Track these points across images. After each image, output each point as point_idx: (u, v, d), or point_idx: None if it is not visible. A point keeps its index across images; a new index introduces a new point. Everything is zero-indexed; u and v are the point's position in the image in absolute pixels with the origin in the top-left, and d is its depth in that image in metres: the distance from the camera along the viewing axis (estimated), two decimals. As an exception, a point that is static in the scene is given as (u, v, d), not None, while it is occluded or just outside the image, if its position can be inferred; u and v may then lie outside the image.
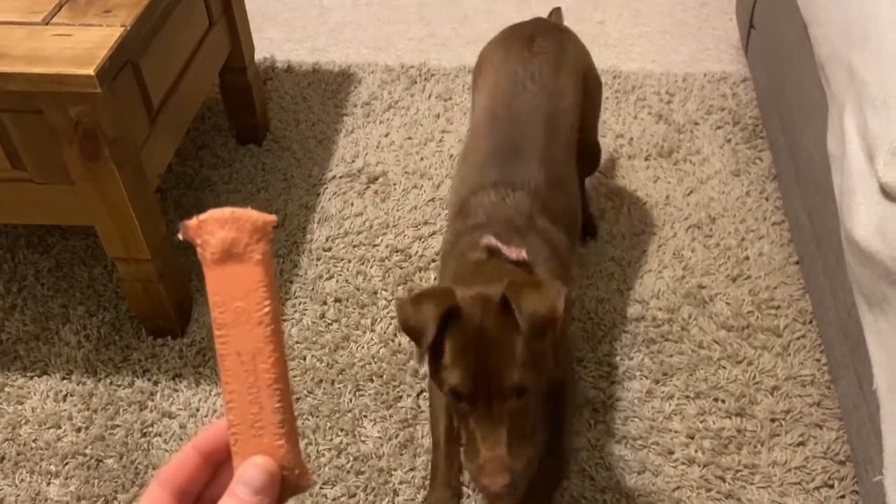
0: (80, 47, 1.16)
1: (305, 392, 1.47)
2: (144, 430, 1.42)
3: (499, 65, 1.51)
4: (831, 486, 1.30)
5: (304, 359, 1.52)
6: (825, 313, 1.45)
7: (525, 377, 0.98)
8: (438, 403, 1.36)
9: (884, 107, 1.16)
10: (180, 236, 0.45)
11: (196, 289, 1.66)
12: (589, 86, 1.55)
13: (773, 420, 1.39)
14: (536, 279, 1.08)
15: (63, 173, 1.30)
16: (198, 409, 1.45)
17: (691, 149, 1.93)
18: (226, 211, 0.44)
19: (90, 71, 1.11)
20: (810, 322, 1.53)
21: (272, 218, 0.45)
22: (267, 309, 0.44)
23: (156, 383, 1.49)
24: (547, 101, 1.41)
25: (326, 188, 1.88)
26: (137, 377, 1.50)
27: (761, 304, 1.57)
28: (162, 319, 1.55)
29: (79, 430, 1.42)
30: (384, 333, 1.56)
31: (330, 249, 1.73)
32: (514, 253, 1.18)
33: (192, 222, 0.44)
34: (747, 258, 1.67)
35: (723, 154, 1.92)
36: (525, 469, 0.99)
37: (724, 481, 1.31)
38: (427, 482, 1.30)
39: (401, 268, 1.68)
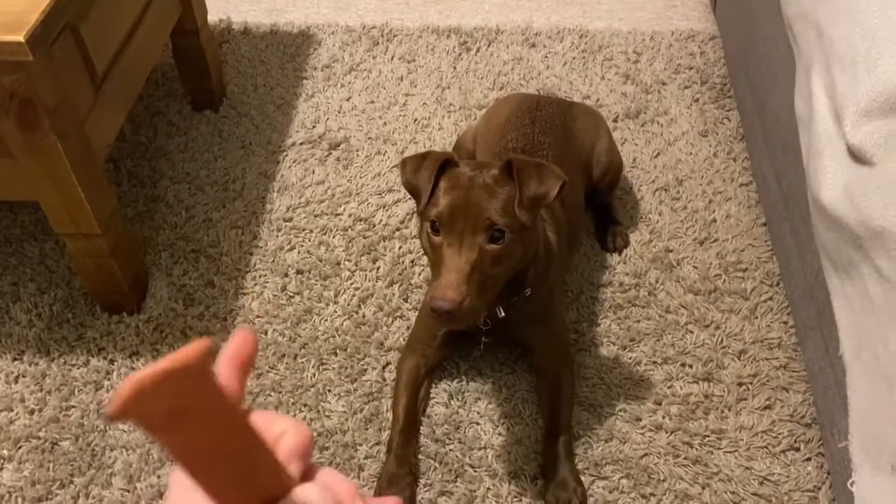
0: (9, 11, 1.09)
1: (267, 367, 1.43)
2: (101, 411, 1.38)
3: (507, 114, 1.53)
4: (797, 449, 1.30)
5: (266, 333, 1.48)
6: (792, 275, 1.44)
7: (501, 220, 1.06)
8: (402, 377, 1.33)
9: (851, 66, 1.13)
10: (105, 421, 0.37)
11: (152, 263, 1.61)
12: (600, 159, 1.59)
13: (740, 384, 1.38)
14: (543, 161, 1.14)
15: (2, 146, 1.23)
16: (156, 388, 1.40)
17: (659, 109, 1.90)
18: (146, 373, 0.34)
19: (20, 37, 1.05)
20: (777, 284, 1.52)
21: (204, 346, 0.36)
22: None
23: (112, 362, 1.45)
24: (560, 135, 1.48)
25: (286, 155, 1.83)
26: (92, 356, 1.45)
27: (728, 266, 1.56)
28: (116, 296, 1.50)
29: (32, 412, 1.37)
30: (348, 305, 1.52)
31: (291, 219, 1.68)
32: None
33: (115, 404, 0.33)
34: (715, 221, 1.65)
35: (690, 114, 1.89)
36: (474, 305, 1.05)
37: (692, 447, 1.30)
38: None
39: (364, 237, 1.64)
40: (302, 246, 1.63)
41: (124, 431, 1.35)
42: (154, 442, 0.40)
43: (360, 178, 1.78)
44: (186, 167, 1.80)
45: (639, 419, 1.34)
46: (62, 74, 1.23)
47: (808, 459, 1.29)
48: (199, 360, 0.35)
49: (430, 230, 1.10)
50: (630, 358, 1.43)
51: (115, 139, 1.48)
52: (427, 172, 1.10)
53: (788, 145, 1.45)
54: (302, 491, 0.42)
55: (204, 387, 0.37)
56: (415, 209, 1.67)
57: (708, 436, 1.32)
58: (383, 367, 1.42)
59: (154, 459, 1.31)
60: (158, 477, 1.29)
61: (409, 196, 1.71)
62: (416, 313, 1.45)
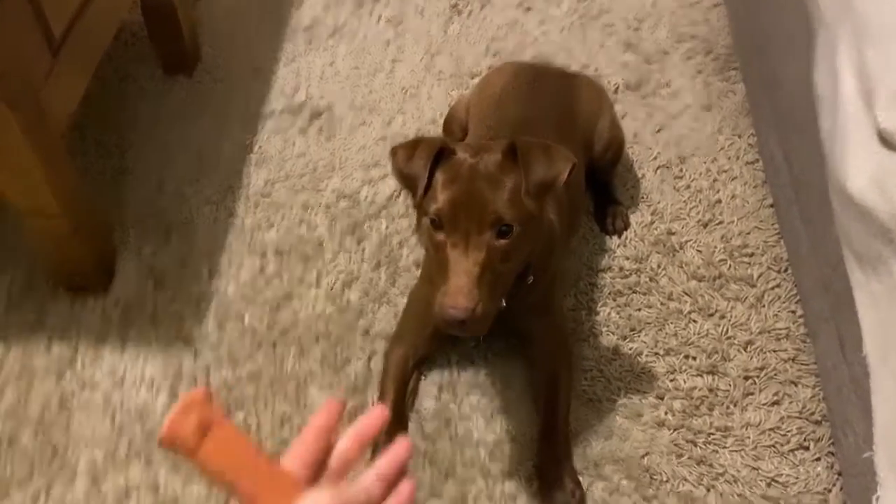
0: (-53, -35, 0.96)
1: (244, 356, 1.34)
2: (64, 403, 1.28)
3: (503, 84, 1.42)
4: (807, 448, 1.23)
5: (242, 319, 1.39)
6: (802, 262, 1.36)
7: (508, 213, 0.98)
8: (390, 370, 1.25)
9: (885, 43, 1.04)
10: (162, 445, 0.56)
11: (120, 240, 1.49)
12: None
13: (746, 378, 1.31)
14: (549, 143, 1.03)
15: (-53, 116, 1.11)
16: (123, 378, 1.31)
17: (661, 81, 1.80)
18: (177, 407, 0.56)
19: (-41, -5, 0.92)
20: (786, 271, 1.44)
21: (202, 390, 0.58)
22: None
23: (76, 349, 1.34)
24: (559, 107, 1.37)
25: (265, 125, 1.71)
26: (55, 342, 1.35)
27: (734, 251, 1.47)
28: (80, 277, 1.39)
29: (-12, 404, 1.28)
30: (331, 289, 1.42)
31: (269, 195, 1.57)
32: None
33: (165, 434, 0.55)
34: (719, 201, 1.56)
35: (694, 87, 1.79)
36: (487, 310, 0.98)
37: (696, 445, 1.23)
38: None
39: (349, 215, 1.54)
40: (281, 224, 1.53)
41: (88, 426, 1.25)
42: (195, 466, 0.56)
43: (344, 150, 1.66)
44: (157, 136, 1.68)
45: (640, 415, 1.27)
46: (12, 37, 1.11)
47: (818, 459, 1.22)
48: (203, 393, 0.56)
49: (430, 227, 1.01)
50: (630, 349, 1.35)
51: (79, 105, 1.36)
52: (422, 161, 1.00)
53: (802, 125, 1.35)
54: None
55: (213, 409, 0.56)
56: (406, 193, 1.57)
57: (713, 433, 1.24)
58: (369, 358, 1.33)
59: (121, 457, 1.22)
60: (126, 476, 1.20)
61: (396, 171, 1.61)
62: (406, 299, 1.35)
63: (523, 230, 1.00)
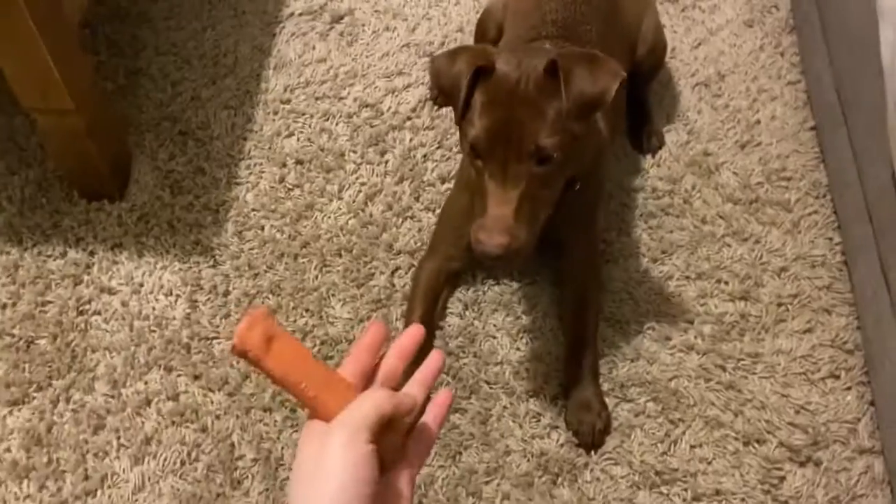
0: None
1: (265, 267, 1.30)
2: (81, 308, 1.25)
3: None
4: (837, 377, 1.21)
5: (262, 229, 1.35)
6: (846, 189, 1.31)
7: (549, 142, 0.92)
8: (420, 285, 1.21)
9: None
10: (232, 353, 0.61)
11: (135, 144, 1.44)
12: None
13: (779, 304, 1.27)
14: (598, 53, 0.96)
15: (-46, 2, 1.04)
16: (141, 285, 1.28)
17: (701, -8, 1.70)
18: (244, 321, 0.60)
19: None
20: (824, 196, 1.39)
21: (264, 308, 0.65)
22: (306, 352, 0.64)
23: (92, 254, 1.31)
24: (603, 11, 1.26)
25: (283, 27, 1.63)
26: (70, 247, 1.31)
27: (771, 174, 1.42)
28: (95, 180, 1.34)
29: (4, 306, 1.25)
30: (353, 202, 1.38)
31: (289, 102, 1.51)
32: None
33: (237, 343, 0.60)
34: (758, 122, 1.49)
35: (735, 1, 1.69)
36: (526, 242, 0.95)
37: (725, 370, 1.21)
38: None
39: (371, 126, 1.48)
40: (301, 133, 1.47)
41: (107, 332, 1.23)
42: (262, 373, 0.61)
43: (367, 57, 1.59)
44: (172, 37, 1.60)
45: (668, 338, 1.24)
46: (22, -84, 1.03)
47: (849, 388, 1.20)
48: (265, 310, 0.62)
49: (470, 152, 0.97)
50: (661, 272, 1.31)
51: (91, 2, 1.28)
52: (462, 78, 0.93)
53: (856, 40, 1.28)
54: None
55: (274, 323, 0.61)
56: (429, 97, 1.50)
57: (743, 359, 1.22)
58: (392, 272, 1.30)
59: (140, 364, 1.20)
60: (146, 383, 1.19)
61: (420, 80, 1.54)
62: (437, 213, 1.30)
63: (567, 155, 0.95)
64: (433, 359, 0.71)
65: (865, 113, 1.22)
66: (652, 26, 1.39)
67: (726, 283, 1.29)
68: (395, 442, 0.63)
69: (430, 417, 0.69)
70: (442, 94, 0.99)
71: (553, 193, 1.00)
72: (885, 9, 1.11)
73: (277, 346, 0.60)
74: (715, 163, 1.43)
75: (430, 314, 1.21)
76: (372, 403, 0.60)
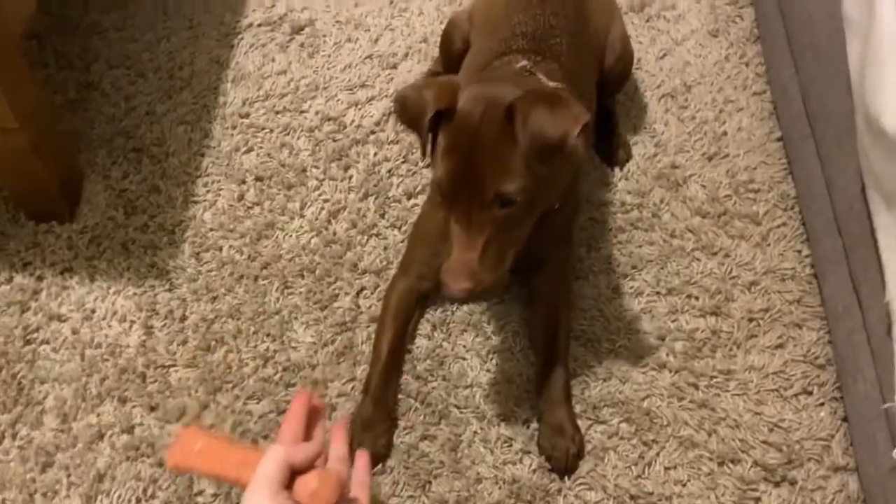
0: None
1: (224, 290, 1.25)
2: (28, 337, 1.20)
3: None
4: (810, 393, 1.19)
5: (221, 249, 1.30)
6: (813, 201, 1.30)
7: (511, 188, 0.90)
8: (391, 306, 1.17)
9: (934, -39, 0.95)
10: None
11: (86, 162, 1.38)
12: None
13: (750, 320, 1.26)
14: (561, 94, 0.93)
15: None
16: (93, 311, 1.22)
17: (666, 3, 1.69)
18: (173, 444, 0.78)
19: None
20: (792, 208, 1.38)
21: (192, 428, 0.79)
22: None
23: (40, 279, 1.25)
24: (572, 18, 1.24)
25: (242, 39, 1.58)
26: (16, 272, 1.25)
27: (739, 186, 1.41)
28: (43, 201, 1.28)
29: (-54, 337, 1.18)
30: (315, 220, 1.33)
31: (248, 116, 1.46)
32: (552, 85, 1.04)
33: (169, 464, 0.77)
34: (725, 133, 1.48)
35: (700, 10, 1.68)
36: (493, 283, 0.94)
37: (698, 389, 1.19)
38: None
39: (334, 140, 1.43)
40: (261, 148, 1.42)
41: (57, 362, 1.17)
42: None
43: (328, 69, 1.55)
44: (125, 48, 1.54)
45: (640, 357, 1.22)
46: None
47: (822, 404, 1.18)
48: (193, 429, 0.78)
49: (437, 190, 0.96)
50: (631, 287, 1.29)
51: (36, 11, 1.22)
52: (422, 120, 0.91)
53: (823, 51, 1.27)
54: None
55: (198, 434, 0.76)
56: (394, 110, 1.46)
57: (715, 376, 1.20)
58: (357, 293, 1.26)
59: (92, 395, 1.15)
60: (98, 416, 1.13)
61: (384, 92, 1.51)
62: (403, 230, 1.27)
63: (534, 196, 0.92)
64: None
65: (833, 125, 1.21)
66: (619, 35, 1.37)
67: (697, 298, 1.28)
68: None
69: (356, 486, 0.79)
70: (405, 124, 0.98)
71: (523, 230, 0.97)
72: (852, 21, 1.11)
73: (204, 451, 0.74)
74: (683, 175, 1.42)
75: (402, 336, 1.17)
76: (269, 458, 0.70)
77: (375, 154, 1.42)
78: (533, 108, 0.87)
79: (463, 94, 0.93)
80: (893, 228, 0.97)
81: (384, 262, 1.29)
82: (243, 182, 1.37)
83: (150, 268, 1.27)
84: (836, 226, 1.20)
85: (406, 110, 0.95)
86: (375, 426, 1.10)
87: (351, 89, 1.51)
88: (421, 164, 1.39)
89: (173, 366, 1.18)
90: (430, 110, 0.91)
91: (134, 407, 1.14)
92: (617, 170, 1.42)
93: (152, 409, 1.14)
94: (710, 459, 1.13)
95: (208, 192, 1.36)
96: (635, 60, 1.57)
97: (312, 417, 0.80)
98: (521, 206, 0.92)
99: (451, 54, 1.38)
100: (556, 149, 0.87)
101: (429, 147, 0.95)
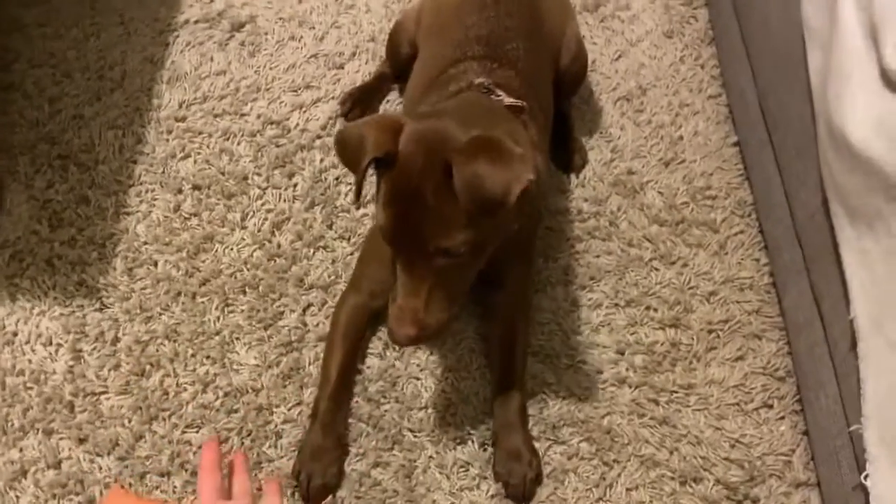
0: None
1: (159, 309, 1.17)
2: None
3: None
4: (770, 406, 1.17)
5: (156, 265, 1.21)
6: (772, 209, 1.28)
7: (452, 243, 0.86)
8: (340, 325, 1.11)
9: (899, -31, 0.92)
10: None
11: (7, 169, 1.28)
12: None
13: (709, 331, 1.23)
14: (504, 146, 0.85)
15: None
16: (15, 334, 1.13)
17: (620, 3, 1.65)
18: None
19: None
20: (749, 215, 1.36)
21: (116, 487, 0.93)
22: None
23: (-45, 300, 1.15)
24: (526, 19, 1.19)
25: (177, 36, 1.48)
26: (-72, 292, 1.15)
27: (696, 193, 1.38)
28: (-42, 214, 1.18)
29: None
30: (258, 232, 1.26)
31: (184, 119, 1.37)
32: (511, 101, 1.01)
33: None
34: (681, 138, 1.45)
35: (654, 10, 1.65)
36: (437, 329, 0.91)
37: (658, 404, 1.16)
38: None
39: (277, 145, 1.36)
40: (199, 154, 1.34)
41: (-26, 393, 1.08)
42: None
43: (271, 69, 1.47)
44: (49, 46, 1.44)
45: (599, 372, 1.18)
46: None
47: (782, 418, 1.16)
48: (116, 488, 0.95)
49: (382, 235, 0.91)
50: (590, 300, 1.25)
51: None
52: (359, 165, 0.86)
53: (781, 57, 1.25)
54: None
55: (127, 497, 0.94)
56: (340, 113, 1.40)
57: (676, 391, 1.17)
58: (304, 310, 1.19)
59: (14, 428, 1.06)
60: (21, 450, 1.04)
61: (331, 94, 1.43)
62: (352, 241, 1.21)
63: (481, 243, 0.88)
64: None
65: (793, 132, 1.19)
66: (574, 35, 1.33)
67: (656, 309, 1.24)
68: None
69: None
70: (344, 164, 0.93)
71: (471, 275, 0.94)
72: (812, 30, 1.08)
73: None
74: (640, 182, 1.38)
75: (352, 357, 1.11)
76: None
77: (322, 160, 1.34)
78: (472, 164, 0.81)
79: (405, 133, 0.86)
80: (857, 243, 0.94)
81: (332, 277, 1.22)
82: (180, 191, 1.29)
83: (79, 286, 1.18)
84: (795, 236, 1.18)
85: (345, 151, 0.90)
86: (325, 455, 1.04)
87: (295, 91, 1.44)
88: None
89: (104, 393, 1.10)
90: (366, 157, 0.85)
91: (61, 439, 1.06)
92: (573, 176, 1.38)
93: (81, 441, 1.06)
94: (672, 479, 1.10)
95: (142, 202, 1.27)
96: (590, 62, 1.53)
97: (234, 466, 0.79)
98: (466, 256, 0.88)
99: (399, 58, 1.32)
100: (498, 205, 0.82)
101: (368, 190, 0.91)
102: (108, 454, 1.05)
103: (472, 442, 1.10)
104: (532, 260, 1.19)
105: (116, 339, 1.14)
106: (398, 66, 1.35)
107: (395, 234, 0.87)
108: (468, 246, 0.86)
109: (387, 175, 0.87)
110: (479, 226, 0.85)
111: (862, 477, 0.85)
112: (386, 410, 1.12)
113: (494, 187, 0.80)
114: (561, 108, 1.39)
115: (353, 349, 1.10)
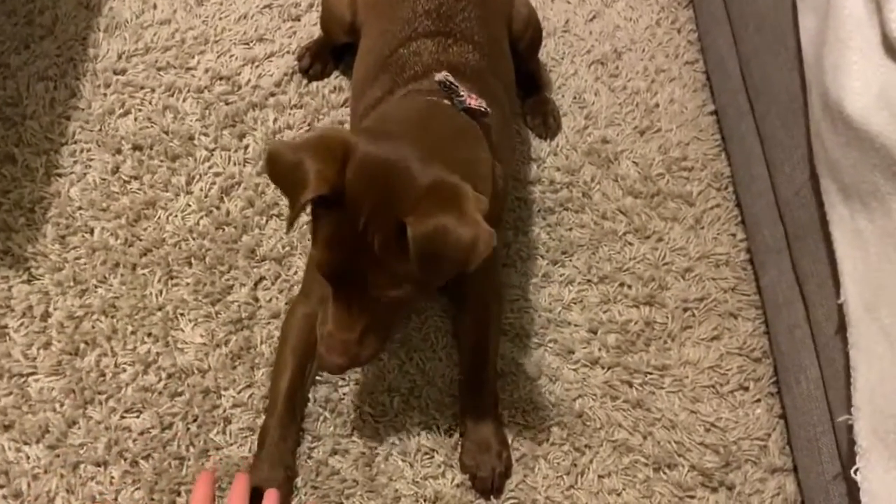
0: None
1: (95, 281, 1.07)
2: None
3: None
4: (746, 389, 1.13)
5: (91, 232, 1.11)
6: (752, 183, 1.22)
7: (398, 294, 0.79)
8: (290, 338, 1.00)
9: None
10: None
11: (-80, 124, 1.15)
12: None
13: (685, 310, 1.18)
14: (469, 207, 0.73)
15: None
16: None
17: (594, -40, 1.56)
18: None
19: None
20: (726, 188, 1.31)
21: None
22: None
23: None
24: None
25: (116, -20, 1.35)
26: None
27: (672, 164, 1.32)
28: None
29: None
30: (205, 198, 1.16)
31: (124, 72, 1.26)
32: (475, 101, 0.91)
33: None
34: (657, 105, 1.39)
35: (630, -31, 1.57)
36: (370, 359, 0.87)
37: (632, 386, 1.11)
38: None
39: (227, 103, 1.25)
40: (140, 111, 1.23)
41: None
42: None
43: (220, 19, 1.35)
44: (-32, -13, 1.30)
45: (571, 352, 1.12)
46: None
47: (758, 401, 1.12)
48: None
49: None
50: (562, 275, 1.18)
51: None
52: (298, 198, 0.73)
53: (767, 21, 1.18)
54: None
55: None
56: (298, 69, 1.29)
57: (650, 373, 1.12)
58: (255, 284, 1.10)
59: (-71, 413, 0.95)
60: (-63, 439, 0.94)
61: (286, 48, 1.33)
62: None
63: (426, 287, 0.82)
64: None
65: (778, 103, 1.13)
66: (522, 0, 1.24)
67: (629, 286, 1.19)
68: None
69: None
70: (280, 189, 0.82)
71: (413, 309, 0.90)
72: (806, -8, 1.01)
73: None
74: (614, 151, 1.31)
75: (300, 374, 0.99)
76: None
77: (275, 120, 1.24)
78: (429, 229, 0.71)
79: (354, 161, 0.74)
80: (850, 223, 0.89)
81: (287, 248, 1.13)
82: (118, 152, 1.18)
83: (3, 254, 1.07)
84: (777, 212, 1.13)
85: (278, 177, 0.77)
86: (270, 486, 0.93)
87: (247, 43, 1.33)
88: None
89: (33, 374, 1.00)
90: (306, 193, 0.72)
91: (-11, 430, 0.96)
92: (546, 143, 1.30)
93: (6, 427, 0.96)
94: (646, 465, 1.05)
95: (76, 162, 1.16)
96: (563, 23, 1.45)
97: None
98: (410, 292, 0.80)
99: (334, 37, 1.23)
100: (456, 270, 0.74)
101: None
102: (37, 442, 0.95)
103: (438, 427, 1.04)
104: (500, 237, 1.10)
105: (47, 315, 1.04)
106: (334, 42, 1.25)
107: (334, 276, 0.80)
108: (416, 289, 0.79)
109: (328, 214, 0.76)
110: (429, 278, 0.77)
111: (852, 471, 0.81)
112: (345, 394, 1.04)
113: (456, 255, 0.72)
114: (528, 69, 1.31)
115: (302, 366, 1.00)
